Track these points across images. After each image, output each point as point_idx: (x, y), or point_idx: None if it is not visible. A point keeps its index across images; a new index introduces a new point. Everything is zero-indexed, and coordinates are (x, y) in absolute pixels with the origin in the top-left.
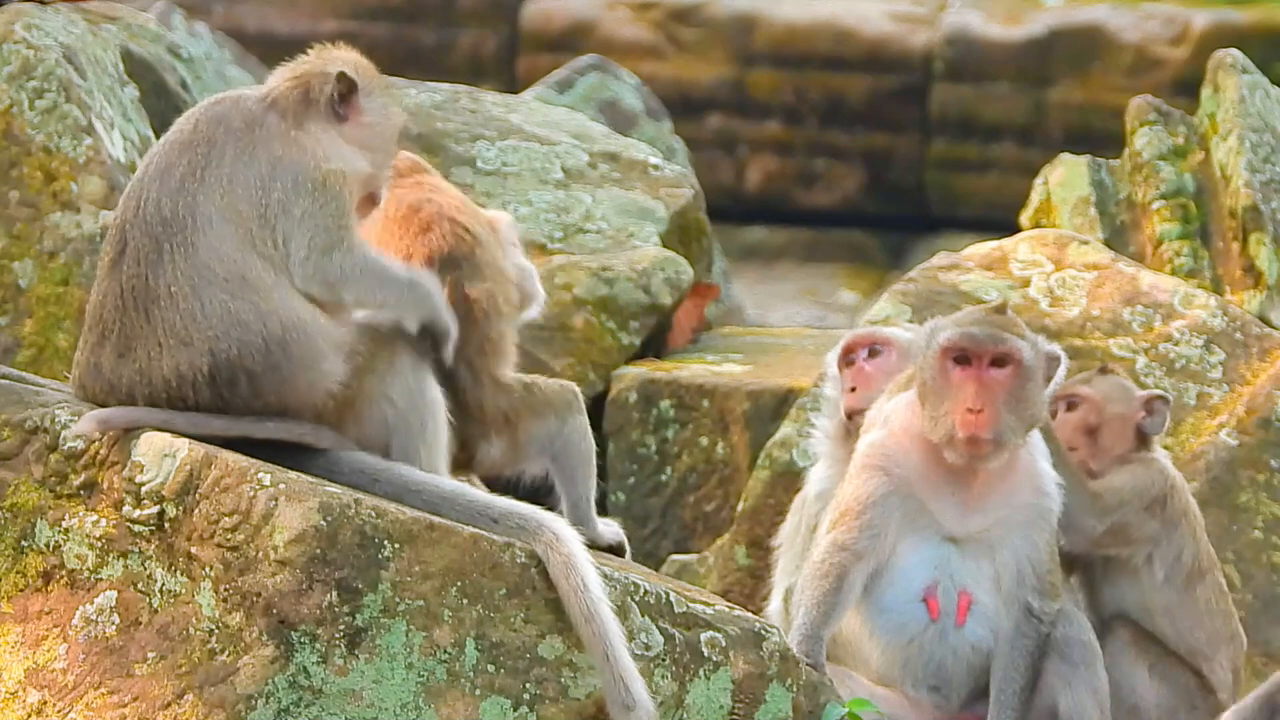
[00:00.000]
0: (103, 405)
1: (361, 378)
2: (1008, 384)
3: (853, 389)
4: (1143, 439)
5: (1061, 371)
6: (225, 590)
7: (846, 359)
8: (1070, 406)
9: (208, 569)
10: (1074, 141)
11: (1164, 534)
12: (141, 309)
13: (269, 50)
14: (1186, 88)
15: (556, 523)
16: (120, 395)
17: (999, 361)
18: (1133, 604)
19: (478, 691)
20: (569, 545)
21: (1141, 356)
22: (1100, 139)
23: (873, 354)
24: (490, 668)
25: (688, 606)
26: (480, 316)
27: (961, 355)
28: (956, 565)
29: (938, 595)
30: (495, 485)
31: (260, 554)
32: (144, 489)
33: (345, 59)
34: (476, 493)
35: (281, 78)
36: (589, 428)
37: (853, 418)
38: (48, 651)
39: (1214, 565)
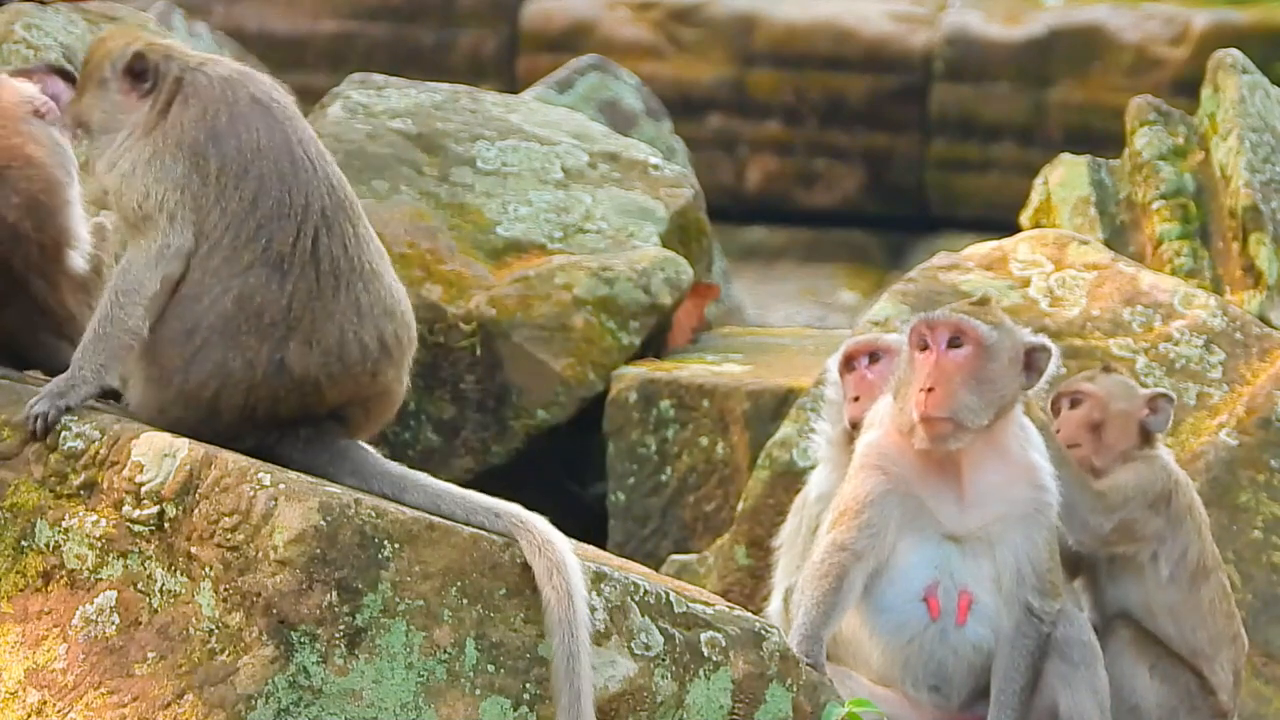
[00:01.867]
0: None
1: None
2: (965, 364)
3: (856, 398)
4: (1146, 436)
5: (1054, 363)
6: (225, 590)
7: (848, 366)
8: (1074, 403)
9: (208, 569)
10: (1074, 141)
11: (1169, 531)
12: (343, 285)
13: (269, 50)
14: (1186, 88)
15: (553, 533)
16: (306, 389)
17: (955, 341)
18: (1137, 603)
19: (478, 691)
20: (561, 555)
21: (1141, 356)
22: (1100, 139)
23: (874, 360)
24: (490, 668)
25: (688, 606)
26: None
27: (922, 340)
28: (956, 564)
29: (938, 595)
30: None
31: (260, 554)
32: (144, 489)
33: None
34: (474, 493)
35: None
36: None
37: (856, 426)
38: (48, 651)
39: (1218, 565)
